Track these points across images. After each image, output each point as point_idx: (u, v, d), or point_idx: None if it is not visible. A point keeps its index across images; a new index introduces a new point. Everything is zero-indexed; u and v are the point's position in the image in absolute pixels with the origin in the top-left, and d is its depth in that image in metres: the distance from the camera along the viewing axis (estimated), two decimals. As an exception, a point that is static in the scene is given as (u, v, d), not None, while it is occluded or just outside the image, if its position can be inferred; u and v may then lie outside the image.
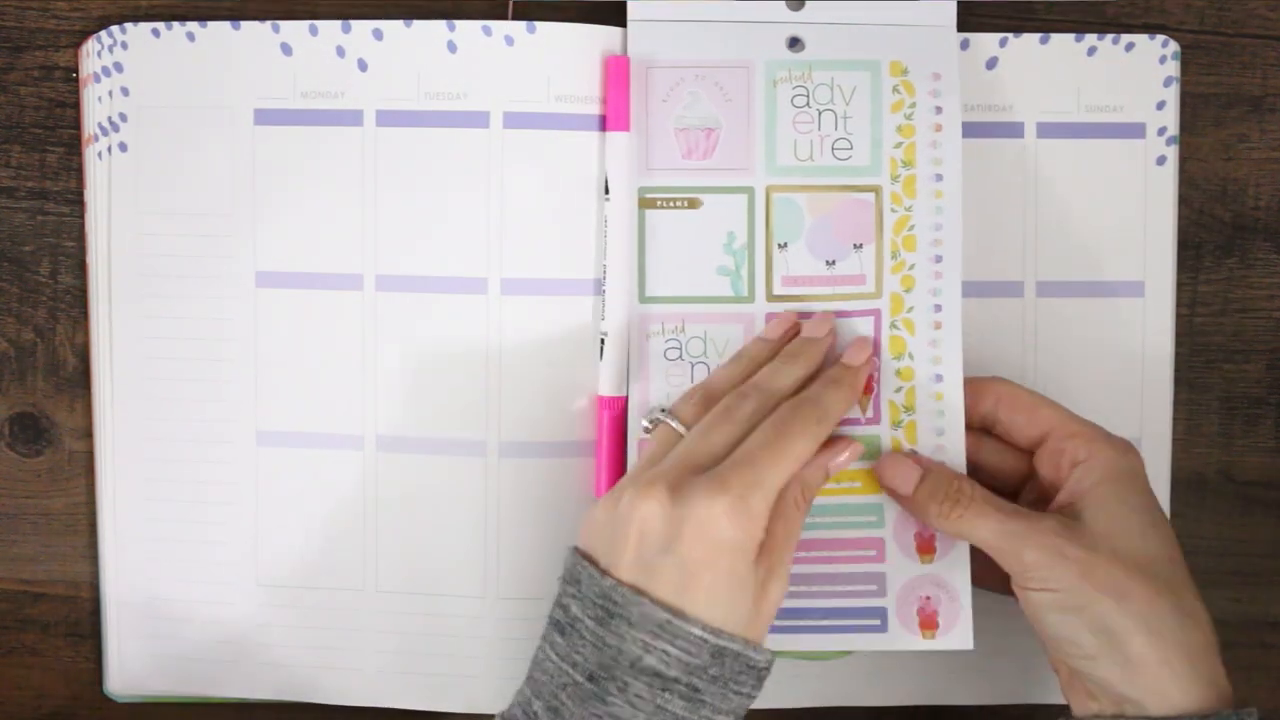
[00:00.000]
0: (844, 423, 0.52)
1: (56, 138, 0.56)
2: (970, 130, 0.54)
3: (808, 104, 0.54)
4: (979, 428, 0.53)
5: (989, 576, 0.51)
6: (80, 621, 0.58)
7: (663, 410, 0.51)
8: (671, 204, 0.54)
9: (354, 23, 0.54)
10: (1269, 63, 0.56)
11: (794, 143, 0.53)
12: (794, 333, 0.53)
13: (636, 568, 0.45)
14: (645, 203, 0.54)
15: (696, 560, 0.45)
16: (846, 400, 0.50)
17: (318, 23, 0.54)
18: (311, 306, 0.55)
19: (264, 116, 0.55)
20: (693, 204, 0.54)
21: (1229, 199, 0.57)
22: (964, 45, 0.54)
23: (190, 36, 0.55)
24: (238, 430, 0.56)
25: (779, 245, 0.54)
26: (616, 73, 0.53)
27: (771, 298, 0.54)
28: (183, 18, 0.55)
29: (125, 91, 0.55)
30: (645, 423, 0.52)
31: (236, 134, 0.55)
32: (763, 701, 0.56)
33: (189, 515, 0.56)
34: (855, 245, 0.53)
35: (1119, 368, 0.55)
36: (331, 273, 0.55)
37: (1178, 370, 0.56)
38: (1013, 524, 0.48)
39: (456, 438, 0.55)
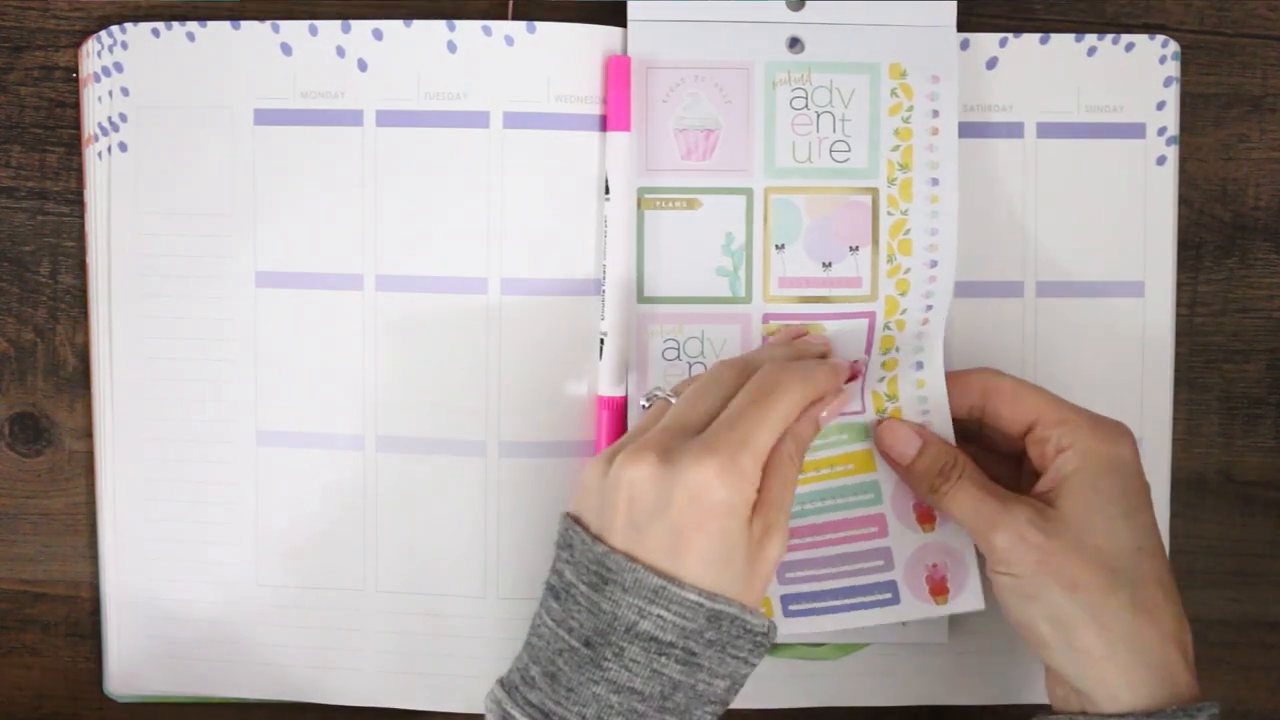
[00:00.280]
0: None
1: (56, 138, 0.56)
2: (970, 130, 0.54)
3: (806, 106, 0.54)
4: (969, 419, 0.52)
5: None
6: (80, 621, 0.58)
7: (659, 389, 0.51)
8: (671, 204, 0.54)
9: (354, 23, 0.54)
10: (1269, 63, 0.56)
11: (793, 144, 0.53)
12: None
13: (628, 533, 0.45)
14: (645, 203, 0.54)
15: (688, 523, 0.44)
16: (830, 371, 0.50)
17: (318, 23, 0.54)
18: (311, 306, 0.55)
19: (264, 116, 0.55)
20: (692, 205, 0.54)
21: (1229, 199, 0.57)
22: (964, 45, 0.54)
23: (190, 36, 0.55)
24: (238, 430, 0.56)
25: (776, 246, 0.54)
26: (618, 73, 0.53)
27: (769, 299, 0.54)
28: (183, 18, 0.55)
29: (125, 91, 0.55)
30: (643, 402, 0.52)
31: (236, 134, 0.55)
32: (763, 701, 0.56)
33: (189, 515, 0.56)
34: (852, 248, 0.53)
35: (1119, 368, 0.55)
36: (331, 273, 0.55)
37: (1178, 370, 0.56)
38: (988, 505, 0.48)
39: (456, 438, 0.55)
